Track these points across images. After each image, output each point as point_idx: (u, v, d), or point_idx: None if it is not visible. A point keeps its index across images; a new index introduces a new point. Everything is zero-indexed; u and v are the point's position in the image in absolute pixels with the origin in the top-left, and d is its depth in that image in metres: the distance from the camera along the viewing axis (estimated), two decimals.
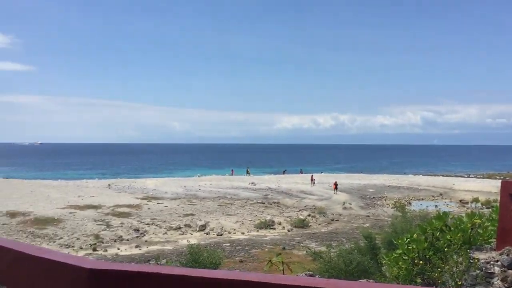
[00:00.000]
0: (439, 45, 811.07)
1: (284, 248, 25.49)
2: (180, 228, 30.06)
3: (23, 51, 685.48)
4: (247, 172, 73.13)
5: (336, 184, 47.37)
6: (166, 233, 28.73)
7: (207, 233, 29.88)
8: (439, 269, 6.36)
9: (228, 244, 26.37)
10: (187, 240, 27.01)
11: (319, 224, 33.30)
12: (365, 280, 11.29)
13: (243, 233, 29.64)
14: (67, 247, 24.42)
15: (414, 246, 6.85)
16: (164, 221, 30.69)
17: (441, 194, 48.07)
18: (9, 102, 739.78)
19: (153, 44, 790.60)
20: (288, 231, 31.20)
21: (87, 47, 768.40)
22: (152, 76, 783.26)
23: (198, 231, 29.74)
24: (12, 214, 29.32)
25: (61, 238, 25.52)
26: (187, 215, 32.69)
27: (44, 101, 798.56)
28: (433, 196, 47.41)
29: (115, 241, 26.59)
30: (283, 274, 15.77)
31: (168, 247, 25.70)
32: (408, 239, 7.10)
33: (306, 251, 23.47)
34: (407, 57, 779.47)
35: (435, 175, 72.95)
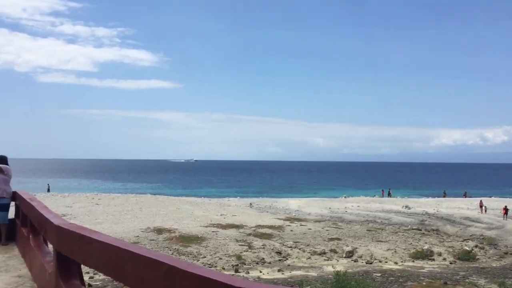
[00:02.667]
0: None
1: (445, 283, 23.84)
2: (325, 253, 29.38)
3: (170, 69, 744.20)
4: (389, 194, 68.96)
5: (506, 209, 42.71)
6: (310, 257, 28.27)
7: (355, 260, 28.91)
8: None
9: (379, 274, 25.33)
10: (333, 267, 26.42)
11: (489, 258, 30.61)
12: None
13: (396, 263, 28.18)
14: (210, 267, 24.94)
15: None
16: (308, 245, 30.30)
17: None
18: (155, 119, 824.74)
19: (295, 56, 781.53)
20: (450, 263, 29.00)
21: (229, 61, 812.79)
22: (295, 89, 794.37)
23: (344, 257, 28.94)
24: (159, 230, 30.75)
25: (204, 257, 26.19)
26: (332, 239, 31.99)
27: (187, 117, 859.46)
28: None
29: (257, 263, 26.68)
30: None
31: (312, 273, 25.21)
32: None
33: None
34: None
35: None
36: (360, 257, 28.96)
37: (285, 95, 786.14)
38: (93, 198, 47.28)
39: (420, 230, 37.04)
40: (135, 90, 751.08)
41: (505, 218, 41.35)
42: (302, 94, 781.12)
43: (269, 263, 26.56)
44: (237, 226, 33.35)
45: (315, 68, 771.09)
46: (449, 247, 31.68)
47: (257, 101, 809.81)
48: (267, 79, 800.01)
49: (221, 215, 38.92)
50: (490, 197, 65.94)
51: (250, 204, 47.71)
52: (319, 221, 38.27)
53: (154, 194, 55.38)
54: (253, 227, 33.56)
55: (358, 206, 47.61)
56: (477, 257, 30.09)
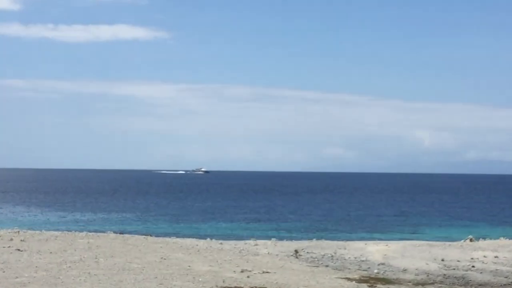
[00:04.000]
0: None
1: None
2: None
3: (150, 4, 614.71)
4: None
5: None
6: None
7: None
8: None
9: None
10: None
11: None
12: None
13: None
14: None
15: None
16: None
17: None
18: (126, 96, 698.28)
19: None
20: None
21: None
22: (380, 42, 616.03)
23: None
24: None
25: None
26: None
27: (183, 94, 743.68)
28: None
29: None
30: None
31: None
32: None
33: None
34: None
35: None
36: None
37: (361, 57, 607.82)
38: (11, 239, 43.54)
39: None
40: (88, 44, 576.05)
41: None
42: (393, 53, 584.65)
43: None
44: None
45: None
46: None
47: (310, 66, 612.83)
48: (328, 26, 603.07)
49: (242, 271, 34.21)
50: None
51: (296, 251, 44.13)
52: (423, 284, 34.74)
53: (122, 233, 50.10)
54: None
55: (496, 257, 43.31)
56: None
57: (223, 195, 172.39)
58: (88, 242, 41.79)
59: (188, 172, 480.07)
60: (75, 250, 37.79)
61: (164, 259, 34.87)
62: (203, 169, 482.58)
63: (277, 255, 40.54)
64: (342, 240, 54.22)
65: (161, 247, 40.73)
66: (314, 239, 53.34)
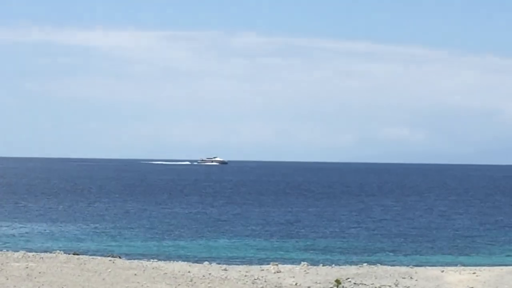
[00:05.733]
0: None
1: None
2: None
3: None
4: None
5: None
6: None
7: None
8: None
9: None
10: None
11: None
12: None
13: None
14: None
15: None
16: None
17: None
18: (84, 47, 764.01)
19: None
20: None
21: None
22: None
23: None
24: None
25: None
26: None
27: (174, 45, 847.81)
28: None
29: None
30: None
31: None
32: None
33: None
34: None
35: None
36: None
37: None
38: None
39: None
40: None
41: None
42: None
43: None
44: None
45: None
46: None
47: (356, 4, 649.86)
48: None
49: None
50: None
51: (337, 282, 44.69)
52: None
53: (76, 253, 50.68)
54: None
55: None
56: None
57: (229, 196, 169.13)
58: (27, 267, 41.07)
59: (196, 164, 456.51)
60: (7, 279, 37.46)
61: None
62: (218, 159, 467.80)
63: (309, 287, 42.40)
64: (407, 265, 55.15)
65: (135, 274, 40.88)
66: (365, 264, 51.38)
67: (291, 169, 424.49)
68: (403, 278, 48.68)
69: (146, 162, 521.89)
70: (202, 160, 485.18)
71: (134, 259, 54.04)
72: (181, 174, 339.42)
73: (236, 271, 50.46)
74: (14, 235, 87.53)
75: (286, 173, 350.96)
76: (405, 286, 46.40)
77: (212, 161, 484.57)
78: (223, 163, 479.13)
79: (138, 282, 41.68)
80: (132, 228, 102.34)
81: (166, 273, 46.92)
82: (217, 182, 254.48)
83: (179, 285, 42.26)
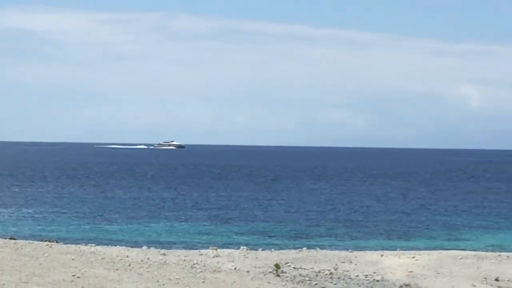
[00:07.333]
0: None
1: None
2: None
3: None
4: None
5: None
6: None
7: None
8: None
9: None
10: None
11: None
12: None
13: None
14: None
15: None
16: None
17: None
18: (15, 30, 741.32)
19: None
20: None
21: None
22: None
23: None
24: None
25: None
26: None
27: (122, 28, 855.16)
28: None
29: None
30: None
31: None
32: None
33: None
34: None
35: None
36: None
37: None
38: None
39: None
40: None
41: None
42: None
43: None
44: None
45: None
46: None
47: None
48: None
49: None
50: None
51: (277, 266, 44.01)
52: None
53: (13, 238, 51.54)
54: None
55: None
56: None
57: (168, 181, 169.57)
58: None
59: (153, 147, 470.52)
60: None
61: (78, 277, 32.63)
62: (175, 143, 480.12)
63: (248, 271, 41.51)
64: (347, 249, 55.45)
65: (73, 259, 40.44)
66: (305, 248, 51.00)
67: (231, 152, 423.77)
68: (342, 262, 48.89)
69: (102, 146, 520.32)
70: (159, 144, 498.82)
71: (71, 244, 53.71)
72: (127, 158, 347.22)
73: (175, 255, 50.65)
74: None
75: (227, 156, 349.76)
76: (344, 270, 46.13)
77: (169, 145, 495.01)
78: (180, 147, 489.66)
79: (75, 267, 40.69)
80: (69, 213, 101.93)
81: (104, 258, 45.90)
82: (162, 166, 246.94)
83: (117, 269, 41.37)
